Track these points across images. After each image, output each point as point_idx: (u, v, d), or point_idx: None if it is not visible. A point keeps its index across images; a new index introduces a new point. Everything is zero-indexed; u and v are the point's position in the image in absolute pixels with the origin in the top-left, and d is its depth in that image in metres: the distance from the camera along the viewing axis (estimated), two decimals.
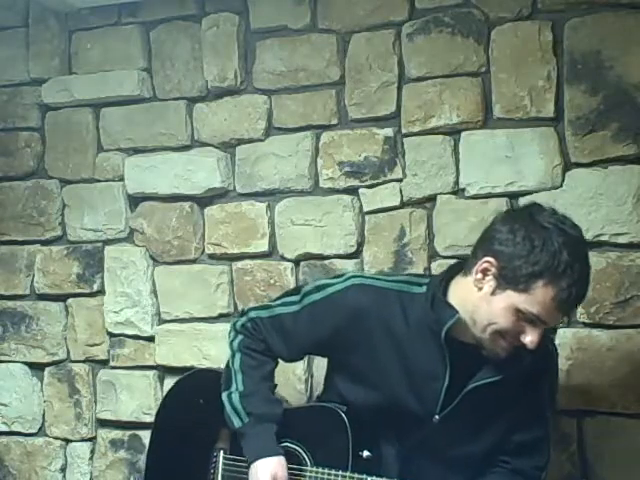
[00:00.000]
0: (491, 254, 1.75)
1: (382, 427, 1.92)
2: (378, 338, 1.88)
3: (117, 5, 2.69)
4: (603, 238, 2.21)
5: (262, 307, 2.07)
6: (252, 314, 2.04)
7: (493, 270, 1.74)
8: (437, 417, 1.86)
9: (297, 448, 1.98)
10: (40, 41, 2.79)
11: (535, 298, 1.69)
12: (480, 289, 1.76)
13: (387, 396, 1.89)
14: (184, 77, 2.64)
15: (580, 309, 2.23)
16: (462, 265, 1.86)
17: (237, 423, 1.97)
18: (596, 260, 2.21)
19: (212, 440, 2.08)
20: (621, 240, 2.20)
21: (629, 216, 2.20)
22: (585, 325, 2.24)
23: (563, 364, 2.24)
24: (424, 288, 1.89)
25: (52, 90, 2.76)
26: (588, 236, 2.21)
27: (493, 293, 1.74)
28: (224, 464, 2.06)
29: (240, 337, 2.04)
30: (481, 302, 1.76)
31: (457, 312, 1.79)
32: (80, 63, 2.75)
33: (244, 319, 2.05)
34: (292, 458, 1.96)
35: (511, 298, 1.72)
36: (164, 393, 2.59)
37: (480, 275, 1.76)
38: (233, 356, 2.03)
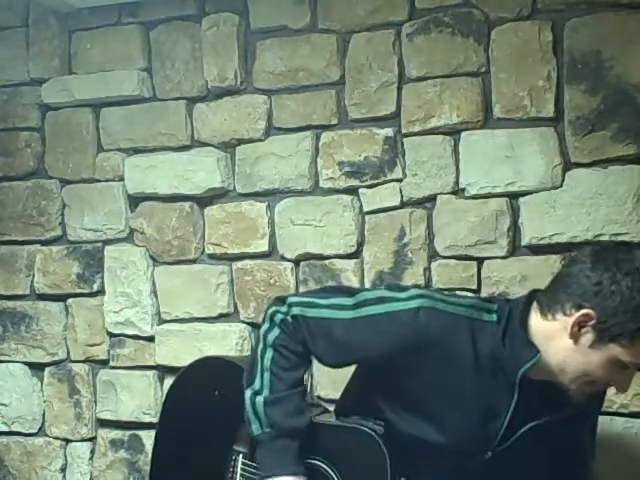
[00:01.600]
0: (589, 306, 1.61)
1: (423, 456, 1.77)
2: (440, 369, 1.72)
3: (117, 5, 2.68)
4: (603, 238, 2.21)
5: (307, 304, 1.81)
6: (295, 310, 1.80)
7: (592, 322, 1.61)
8: (489, 453, 1.75)
9: (327, 469, 1.81)
10: (40, 41, 2.79)
11: (636, 351, 1.60)
12: (576, 342, 1.64)
13: (439, 429, 1.74)
14: (184, 77, 2.64)
15: None
16: (534, 298, 1.74)
17: (256, 429, 1.78)
18: None
19: (229, 440, 1.92)
20: (621, 240, 2.20)
21: (629, 216, 2.20)
22: None
23: None
24: (494, 316, 1.74)
25: (52, 90, 2.76)
26: (588, 236, 2.22)
27: (592, 346, 1.62)
28: (242, 469, 1.90)
29: (277, 332, 1.80)
30: (576, 354, 1.64)
31: (539, 351, 1.66)
32: (80, 63, 2.75)
33: (284, 311, 1.81)
34: (321, 479, 1.81)
35: (613, 351, 1.61)
36: (166, 389, 2.56)
37: (576, 328, 1.62)
38: (264, 350, 1.80)
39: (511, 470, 1.76)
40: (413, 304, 1.73)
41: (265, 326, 1.84)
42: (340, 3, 2.47)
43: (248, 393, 1.80)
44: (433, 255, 2.38)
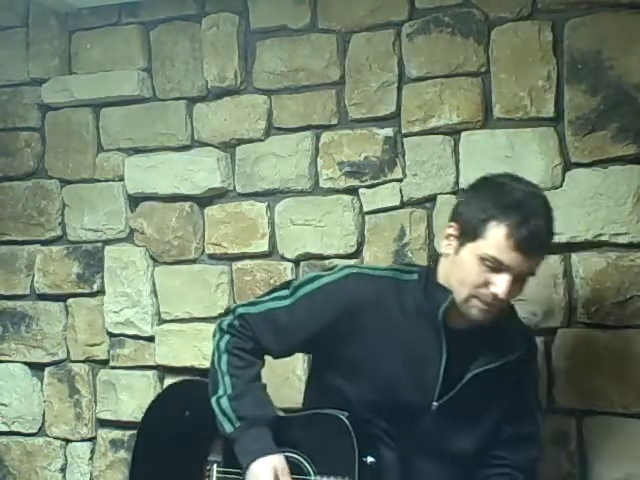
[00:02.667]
0: (452, 219, 1.85)
1: (380, 426, 1.89)
2: (376, 327, 1.88)
3: (117, 5, 2.69)
4: (603, 238, 2.21)
5: (250, 303, 2.01)
6: (240, 310, 1.98)
7: (455, 232, 1.82)
8: (435, 404, 1.87)
9: (298, 457, 1.90)
10: (40, 41, 2.79)
11: (490, 241, 1.74)
12: (447, 255, 1.84)
13: (385, 385, 1.88)
14: (184, 77, 2.64)
15: (580, 309, 2.23)
16: None
17: (228, 428, 1.89)
18: (596, 260, 2.22)
19: (204, 454, 2.00)
20: (621, 240, 2.20)
21: (629, 216, 2.20)
22: (585, 325, 2.24)
23: (563, 364, 2.25)
24: (415, 276, 1.92)
25: (52, 90, 2.76)
26: (588, 236, 2.22)
27: (457, 253, 1.81)
28: (218, 478, 1.98)
29: (227, 337, 1.97)
30: (450, 266, 1.84)
31: (451, 292, 1.82)
32: (80, 63, 2.75)
33: (230, 317, 1.99)
34: (293, 468, 1.88)
35: (471, 249, 1.77)
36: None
37: (445, 242, 1.85)
38: (219, 357, 1.96)
39: (458, 423, 1.88)
40: (342, 273, 1.94)
41: (216, 337, 1.99)
42: (340, 3, 2.47)
43: (213, 400, 1.92)
44: (433, 255, 2.38)
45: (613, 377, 2.19)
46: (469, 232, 1.78)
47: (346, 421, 1.84)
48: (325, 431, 1.88)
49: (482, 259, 1.75)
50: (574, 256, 2.25)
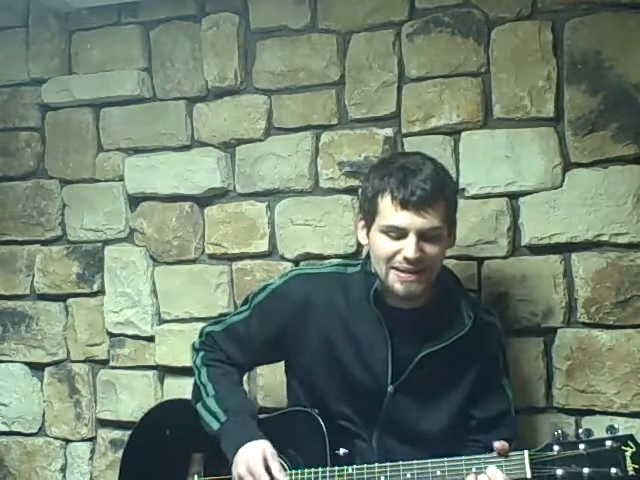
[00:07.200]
0: (358, 213, 2.05)
1: (349, 416, 1.97)
2: (326, 320, 1.99)
3: (117, 5, 2.69)
4: (603, 238, 2.21)
5: (215, 322, 2.17)
6: (207, 330, 2.15)
7: (361, 223, 1.99)
8: (391, 387, 1.94)
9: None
10: (40, 41, 2.79)
11: (383, 212, 1.88)
12: (366, 245, 1.98)
13: (342, 375, 1.97)
14: (184, 77, 2.64)
15: (580, 309, 2.23)
16: None
17: (215, 425, 1.97)
18: (596, 260, 2.22)
19: (185, 467, 2.08)
20: (621, 240, 2.20)
21: (629, 216, 2.20)
22: (585, 325, 2.24)
23: (563, 364, 2.25)
24: (358, 267, 2.05)
25: (52, 90, 2.76)
26: (588, 236, 2.22)
27: (367, 237, 1.96)
28: None
29: (201, 353, 2.12)
30: (370, 252, 1.96)
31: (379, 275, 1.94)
32: (80, 63, 2.75)
33: (201, 338, 2.16)
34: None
35: (374, 229, 1.91)
36: (164, 395, 2.64)
37: (359, 234, 2.00)
38: (199, 372, 2.09)
39: (418, 405, 1.96)
40: (286, 277, 2.09)
41: (193, 357, 2.15)
42: (340, 3, 2.47)
43: (199, 405, 2.03)
44: None
45: (613, 377, 2.20)
46: (369, 216, 1.93)
47: (317, 416, 1.95)
48: (298, 427, 1.99)
49: (384, 232, 1.88)
50: (574, 256, 2.25)
